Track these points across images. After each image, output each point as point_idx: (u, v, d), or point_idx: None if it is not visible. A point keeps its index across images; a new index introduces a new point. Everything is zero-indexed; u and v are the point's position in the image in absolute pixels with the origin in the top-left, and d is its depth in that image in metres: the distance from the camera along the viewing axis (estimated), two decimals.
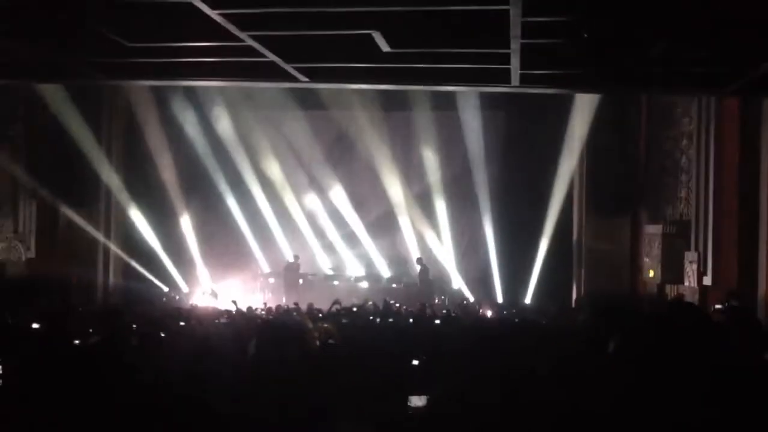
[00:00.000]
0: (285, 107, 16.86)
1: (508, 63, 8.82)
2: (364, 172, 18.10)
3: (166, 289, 16.68)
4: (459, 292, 17.43)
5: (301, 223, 18.31)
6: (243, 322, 10.13)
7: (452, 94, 14.68)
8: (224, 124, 17.41)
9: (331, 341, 6.16)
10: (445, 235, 17.97)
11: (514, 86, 9.83)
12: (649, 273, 13.95)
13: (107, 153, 16.18)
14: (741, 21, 7.51)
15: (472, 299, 16.32)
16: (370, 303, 12.68)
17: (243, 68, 10.15)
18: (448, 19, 7.85)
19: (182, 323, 10.57)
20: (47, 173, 15.04)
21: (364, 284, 17.86)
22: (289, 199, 18.23)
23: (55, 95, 14.44)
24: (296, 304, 13.02)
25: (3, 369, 5.09)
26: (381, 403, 4.83)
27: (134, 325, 8.15)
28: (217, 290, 16.81)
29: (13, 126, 15.01)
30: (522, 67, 9.03)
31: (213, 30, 8.27)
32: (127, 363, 5.76)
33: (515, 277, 16.92)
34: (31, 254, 15.16)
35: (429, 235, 17.93)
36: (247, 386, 5.43)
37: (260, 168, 18.14)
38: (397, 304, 13.53)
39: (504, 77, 9.53)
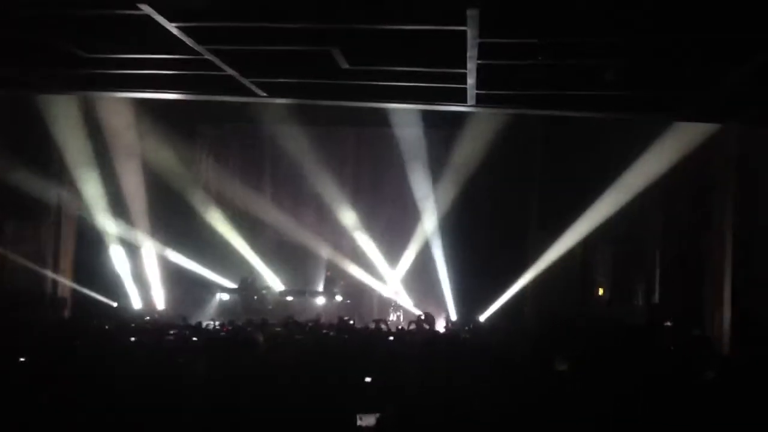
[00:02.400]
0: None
1: (465, 82, 8.92)
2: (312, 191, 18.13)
3: (114, 304, 16.39)
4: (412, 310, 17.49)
5: (255, 240, 18.20)
6: (191, 337, 10.05)
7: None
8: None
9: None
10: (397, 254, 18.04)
11: (471, 105, 9.94)
12: (599, 290, 14.20)
13: (58, 164, 15.87)
14: (691, 46, 7.72)
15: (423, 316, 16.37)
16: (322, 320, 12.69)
17: (201, 82, 10.10)
18: (406, 38, 7.92)
19: (132, 338, 10.46)
20: None
21: (320, 300, 17.81)
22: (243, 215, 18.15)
23: None
24: (250, 320, 12.92)
25: None
26: (329, 417, 4.83)
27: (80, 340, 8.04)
28: (167, 306, 16.63)
29: None
30: (478, 87, 9.15)
31: (171, 43, 8.24)
32: (76, 376, 5.67)
33: (470, 295, 16.98)
34: None
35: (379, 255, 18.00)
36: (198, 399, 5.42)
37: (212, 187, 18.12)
38: (351, 321, 13.55)
39: (461, 96, 9.63)
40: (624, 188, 13.50)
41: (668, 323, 10.09)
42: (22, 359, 6.67)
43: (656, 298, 13.12)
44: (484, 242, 16.44)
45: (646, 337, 5.28)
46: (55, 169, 15.79)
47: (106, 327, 12.29)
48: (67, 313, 15.47)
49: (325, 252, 18.10)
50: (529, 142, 16.03)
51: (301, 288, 18.31)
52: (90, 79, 10.38)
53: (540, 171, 16.00)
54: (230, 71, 9.36)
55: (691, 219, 12.40)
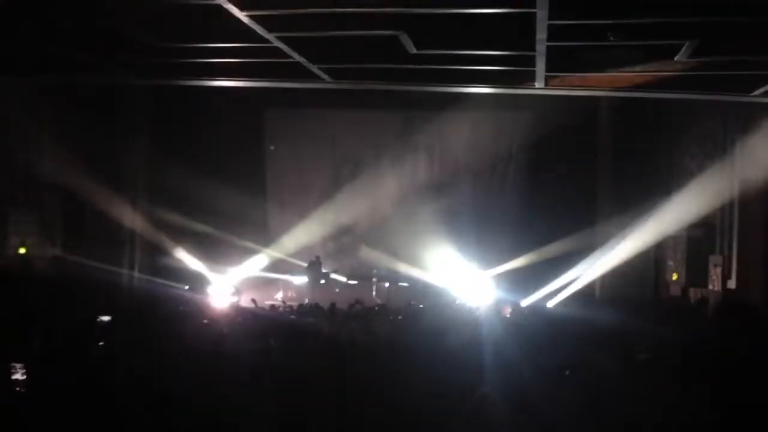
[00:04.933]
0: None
1: (534, 65, 8.83)
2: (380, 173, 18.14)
3: (186, 287, 16.68)
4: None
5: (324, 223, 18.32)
6: (261, 322, 10.18)
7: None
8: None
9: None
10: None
11: (539, 88, 9.84)
12: (673, 276, 13.90)
13: (134, 144, 16.21)
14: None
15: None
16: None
17: (269, 69, 10.24)
18: (473, 22, 7.87)
19: (204, 321, 10.66)
20: (73, 167, 15.08)
21: (386, 284, 17.87)
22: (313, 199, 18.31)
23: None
24: (317, 304, 13.03)
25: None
26: None
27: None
28: (238, 288, 16.86)
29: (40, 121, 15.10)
30: (547, 69, 9.04)
31: (241, 31, 8.36)
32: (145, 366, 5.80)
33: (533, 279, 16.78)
34: (57, 251, 15.25)
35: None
36: (262, 387, 5.48)
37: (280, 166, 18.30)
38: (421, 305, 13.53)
39: (529, 79, 9.54)
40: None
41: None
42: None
43: (733, 283, 12.81)
44: (550, 227, 16.16)
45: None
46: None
47: (180, 308, 12.48)
48: (139, 300, 15.79)
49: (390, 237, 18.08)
50: (600, 126, 15.74)
51: (367, 272, 18.37)
52: (159, 67, 10.62)
53: (611, 154, 15.69)
54: (298, 58, 9.46)
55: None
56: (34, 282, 14.46)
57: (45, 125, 14.45)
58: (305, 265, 17.94)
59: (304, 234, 18.05)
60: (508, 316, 13.18)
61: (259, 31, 8.35)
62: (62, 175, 14.62)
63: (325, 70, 10.18)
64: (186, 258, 16.81)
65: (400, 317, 10.92)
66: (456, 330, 9.51)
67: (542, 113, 14.94)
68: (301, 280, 17.89)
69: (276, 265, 18.00)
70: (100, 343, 6.90)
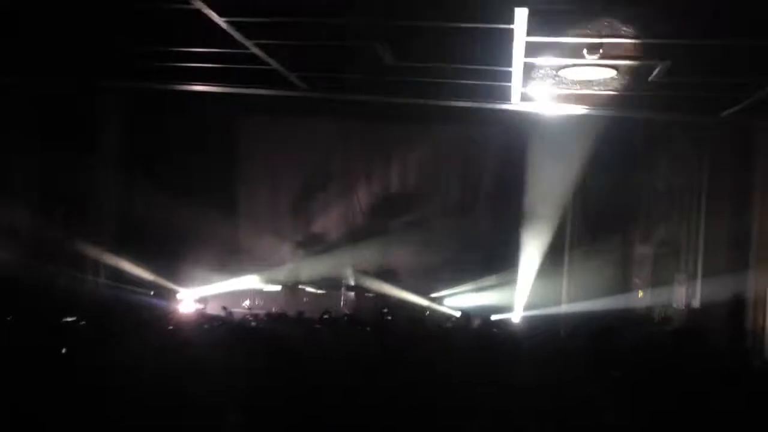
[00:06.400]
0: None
1: (510, 81, 8.90)
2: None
3: (151, 292, 16.48)
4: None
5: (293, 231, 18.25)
6: (231, 331, 10.11)
7: None
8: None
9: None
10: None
11: (515, 104, 9.92)
12: (639, 294, 14.05)
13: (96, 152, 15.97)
14: (738, 49, 7.63)
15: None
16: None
17: (245, 75, 10.20)
18: (452, 35, 7.93)
19: (170, 327, 10.55)
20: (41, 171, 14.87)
21: (353, 294, 17.82)
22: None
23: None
24: (284, 313, 12.98)
25: None
26: None
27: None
28: (204, 297, 16.74)
29: None
30: (523, 85, 9.13)
31: (218, 36, 8.33)
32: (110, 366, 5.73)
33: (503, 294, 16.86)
34: (18, 254, 15.03)
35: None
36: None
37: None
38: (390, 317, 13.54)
39: (505, 95, 9.62)
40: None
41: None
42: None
43: (697, 302, 12.97)
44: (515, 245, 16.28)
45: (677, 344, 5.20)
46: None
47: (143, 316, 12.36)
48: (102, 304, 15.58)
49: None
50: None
51: (335, 281, 18.32)
52: (134, 71, 10.54)
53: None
54: (275, 65, 9.44)
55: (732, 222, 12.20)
56: None
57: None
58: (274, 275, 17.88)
59: (272, 243, 17.99)
60: (476, 328, 13.22)
61: (236, 37, 8.32)
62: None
63: (301, 79, 10.18)
64: (150, 267, 16.54)
65: (368, 328, 10.91)
66: (423, 341, 9.55)
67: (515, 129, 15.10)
68: (269, 288, 17.81)
69: (244, 274, 17.88)
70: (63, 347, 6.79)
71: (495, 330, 11.68)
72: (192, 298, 16.57)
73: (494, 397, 5.00)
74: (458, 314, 15.22)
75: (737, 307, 11.59)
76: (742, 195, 11.68)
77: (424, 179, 17.98)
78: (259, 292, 17.70)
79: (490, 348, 6.96)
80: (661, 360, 5.39)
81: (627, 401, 4.39)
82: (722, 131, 11.35)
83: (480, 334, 9.41)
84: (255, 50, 8.82)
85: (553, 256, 15.95)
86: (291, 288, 17.53)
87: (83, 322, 8.95)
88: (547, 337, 8.02)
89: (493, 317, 15.46)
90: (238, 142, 18.26)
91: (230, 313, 12.64)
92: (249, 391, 5.63)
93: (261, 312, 13.57)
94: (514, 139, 15.92)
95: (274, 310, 14.43)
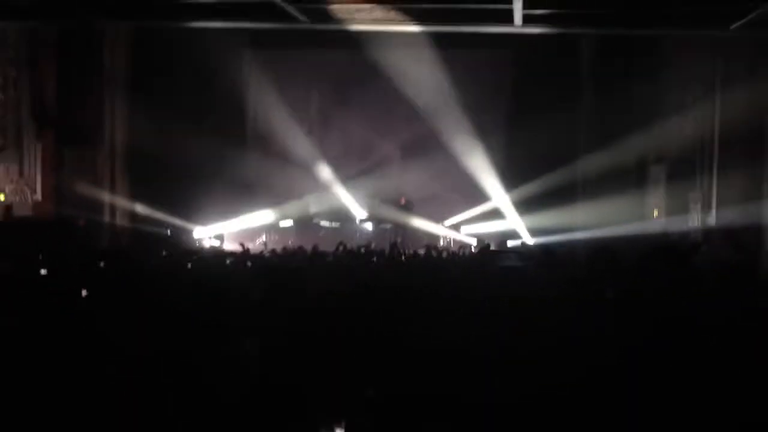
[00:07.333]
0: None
1: (510, 3, 8.72)
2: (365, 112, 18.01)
3: (169, 231, 16.59)
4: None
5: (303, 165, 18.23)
6: (249, 265, 10.23)
7: None
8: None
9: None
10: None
11: (518, 26, 9.73)
12: (653, 212, 14.00)
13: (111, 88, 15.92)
14: None
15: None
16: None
17: (245, 10, 10.08)
18: None
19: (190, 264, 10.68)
20: (51, 113, 14.94)
21: (369, 226, 17.95)
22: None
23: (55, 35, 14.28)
24: (301, 247, 13.07)
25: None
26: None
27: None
28: (222, 232, 16.89)
29: (15, 67, 14.90)
30: (525, 7, 8.94)
31: None
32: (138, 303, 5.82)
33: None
34: (38, 197, 15.20)
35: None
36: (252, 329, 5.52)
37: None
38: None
39: (508, 17, 9.43)
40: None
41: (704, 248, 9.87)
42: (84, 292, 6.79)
43: (713, 218, 12.88)
44: (532, 165, 16.15)
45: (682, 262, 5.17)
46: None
47: (164, 253, 12.48)
48: (124, 242, 15.78)
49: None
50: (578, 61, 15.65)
51: (350, 215, 18.42)
52: (132, 8, 10.44)
53: (591, 90, 15.62)
54: None
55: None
56: (17, 227, 14.51)
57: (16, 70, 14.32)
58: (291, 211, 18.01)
59: (285, 178, 18.00)
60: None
61: None
62: (39, 123, 14.56)
63: (300, 10, 10.03)
64: (167, 208, 16.62)
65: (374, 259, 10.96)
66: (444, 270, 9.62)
67: (522, 52, 14.91)
68: (285, 224, 17.96)
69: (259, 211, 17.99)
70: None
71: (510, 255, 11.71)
72: (208, 235, 16.75)
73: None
74: (473, 241, 15.30)
75: (749, 227, 11.52)
76: (756, 110, 11.47)
77: (437, 104, 17.81)
78: (275, 228, 17.87)
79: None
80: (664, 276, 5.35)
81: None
82: (734, 45, 11.11)
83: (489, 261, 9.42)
84: None
85: (568, 176, 15.87)
86: (306, 222, 17.68)
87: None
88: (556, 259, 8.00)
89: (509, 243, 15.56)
90: (247, 75, 18.20)
91: (246, 250, 12.75)
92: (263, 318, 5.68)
93: (276, 248, 13.69)
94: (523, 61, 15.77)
95: (289, 244, 14.55)
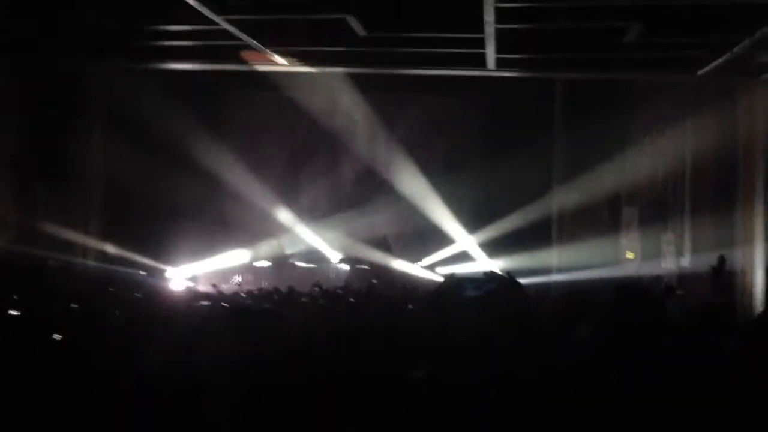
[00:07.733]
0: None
1: (483, 47, 8.84)
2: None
3: (143, 273, 16.46)
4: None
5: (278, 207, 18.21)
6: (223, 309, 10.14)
7: None
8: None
9: None
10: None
11: (491, 70, 9.87)
12: (628, 255, 14.10)
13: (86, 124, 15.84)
14: (713, 6, 7.60)
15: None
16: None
17: (220, 52, 10.13)
18: (422, 4, 7.87)
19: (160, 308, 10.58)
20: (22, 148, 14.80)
21: (344, 267, 17.89)
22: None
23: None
24: (276, 288, 13.00)
25: None
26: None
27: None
28: (196, 274, 16.78)
29: None
30: (497, 52, 9.06)
31: (188, 13, 8.26)
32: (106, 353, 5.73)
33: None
34: (10, 235, 15.01)
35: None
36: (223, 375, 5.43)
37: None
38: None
39: (480, 61, 9.56)
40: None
41: (680, 291, 9.92)
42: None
43: (687, 261, 12.98)
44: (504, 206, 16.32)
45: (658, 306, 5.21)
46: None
47: (137, 295, 12.35)
48: (95, 283, 15.58)
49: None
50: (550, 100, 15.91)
51: (324, 255, 18.38)
52: (105, 50, 10.46)
53: (562, 128, 15.84)
54: (248, 40, 9.36)
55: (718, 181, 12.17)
56: None
57: None
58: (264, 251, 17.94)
59: (259, 217, 17.95)
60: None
61: (206, 14, 8.25)
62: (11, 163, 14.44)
63: (278, 53, 10.10)
64: (140, 248, 16.49)
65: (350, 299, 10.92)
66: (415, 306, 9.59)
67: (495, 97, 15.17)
68: (259, 264, 17.88)
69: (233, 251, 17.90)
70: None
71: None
72: (181, 276, 16.62)
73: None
74: (444, 279, 15.29)
75: (722, 265, 11.60)
76: (726, 155, 11.64)
77: (411, 146, 17.92)
78: (249, 268, 17.78)
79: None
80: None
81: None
82: (703, 90, 11.33)
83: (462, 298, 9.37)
84: (226, 26, 8.74)
85: (540, 217, 16.01)
86: (281, 263, 17.61)
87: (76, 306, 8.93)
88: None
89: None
90: (222, 116, 18.23)
91: (220, 291, 12.65)
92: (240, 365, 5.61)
93: (251, 288, 13.61)
94: (495, 105, 16.06)
95: (264, 284, 14.47)
